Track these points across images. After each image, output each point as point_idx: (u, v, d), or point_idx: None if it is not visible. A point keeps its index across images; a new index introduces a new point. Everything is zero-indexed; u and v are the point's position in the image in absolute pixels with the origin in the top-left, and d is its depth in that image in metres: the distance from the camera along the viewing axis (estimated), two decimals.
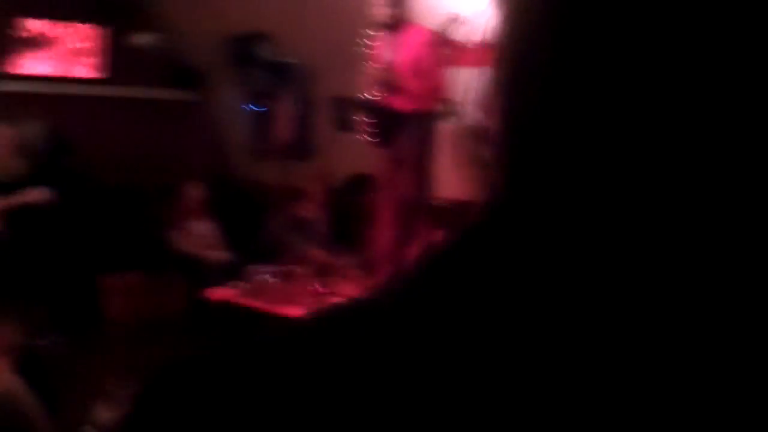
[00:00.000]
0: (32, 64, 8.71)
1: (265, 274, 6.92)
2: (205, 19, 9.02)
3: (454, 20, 4.92)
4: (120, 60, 9.34)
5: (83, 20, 9.02)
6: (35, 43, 8.74)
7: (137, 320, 7.56)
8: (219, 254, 7.98)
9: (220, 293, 6.26)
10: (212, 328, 6.11)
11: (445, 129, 7.04)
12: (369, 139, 5.84)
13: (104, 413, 3.87)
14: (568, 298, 0.39)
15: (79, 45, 9.12)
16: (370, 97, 5.75)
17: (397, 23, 5.80)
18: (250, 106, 6.41)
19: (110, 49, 9.35)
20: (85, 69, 9.15)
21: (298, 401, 0.42)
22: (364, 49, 5.79)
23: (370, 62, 5.80)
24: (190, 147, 9.68)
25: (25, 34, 8.55)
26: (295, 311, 5.50)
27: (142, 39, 9.37)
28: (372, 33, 5.83)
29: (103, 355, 6.62)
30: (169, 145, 9.53)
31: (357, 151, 6.66)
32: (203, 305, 6.48)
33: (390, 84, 5.71)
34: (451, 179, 7.36)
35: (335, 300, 5.54)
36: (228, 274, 7.53)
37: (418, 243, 5.79)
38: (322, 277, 6.02)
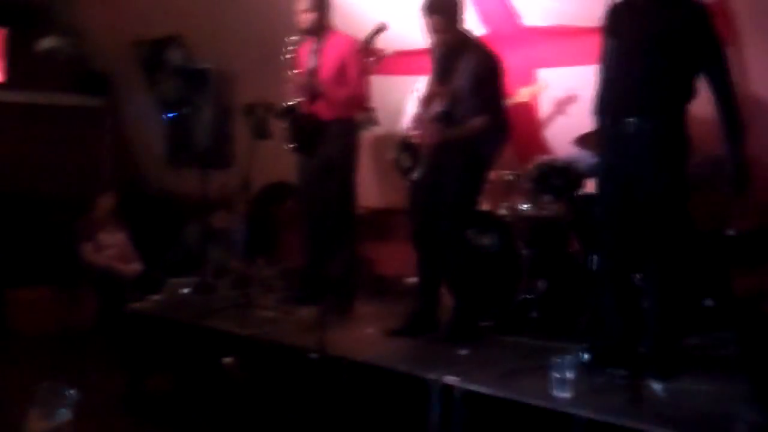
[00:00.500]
0: None
1: (182, 287, 6.75)
2: (114, 23, 8.77)
3: (378, 29, 4.86)
4: (22, 64, 9.00)
5: None
6: None
7: (45, 334, 7.35)
8: (132, 267, 7.77)
9: (134, 306, 6.07)
10: (127, 342, 5.94)
11: (367, 137, 6.99)
12: (289, 146, 5.72)
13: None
14: None
15: None
16: (291, 105, 5.63)
17: (319, 30, 5.70)
18: (164, 112, 6.22)
19: (11, 53, 9.01)
20: None
21: None
22: (285, 55, 5.68)
23: (292, 69, 5.69)
24: (101, 155, 9.42)
25: None
26: (212, 324, 5.37)
27: (46, 42, 9.04)
28: (294, 39, 5.71)
29: (10, 367, 6.38)
30: (78, 153, 9.26)
31: (277, 159, 6.54)
32: (117, 319, 6.29)
33: (311, 91, 5.61)
34: (373, 188, 7.32)
35: (254, 312, 5.45)
36: (143, 286, 7.32)
37: (339, 252, 5.70)
38: (241, 288, 5.88)
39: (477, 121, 4.82)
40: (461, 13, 4.89)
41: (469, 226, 5.04)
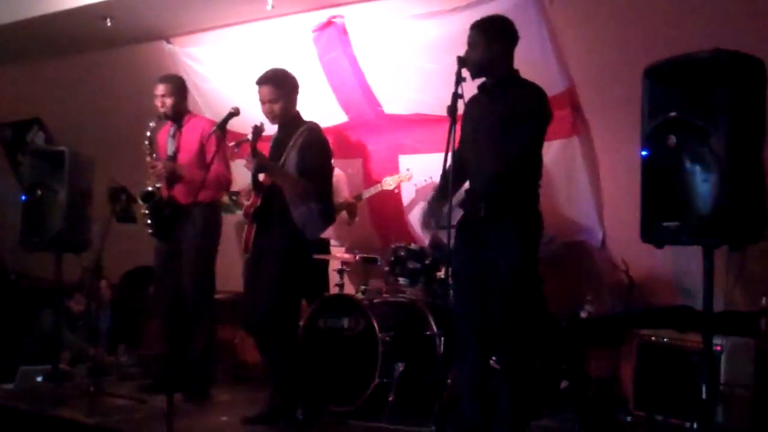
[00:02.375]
0: None
1: (36, 375, 6.48)
2: None
3: (231, 113, 4.91)
4: None
5: None
6: None
7: None
8: None
9: None
10: None
11: (232, 221, 6.95)
12: (149, 230, 5.64)
13: None
14: None
15: None
16: (150, 189, 5.57)
17: (177, 114, 5.70)
18: (21, 195, 6.05)
19: None
20: None
21: None
22: (144, 139, 5.65)
23: (151, 153, 5.65)
24: None
25: None
26: (66, 414, 5.17)
27: None
28: (153, 124, 5.69)
29: None
30: None
31: (136, 243, 6.43)
32: None
33: (171, 174, 5.57)
34: (238, 271, 7.25)
35: (106, 401, 5.27)
36: None
37: (195, 338, 5.60)
38: (97, 376, 5.68)
39: (303, 182, 4.85)
40: (293, 90, 5.01)
41: (291, 314, 5.03)
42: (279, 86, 4.94)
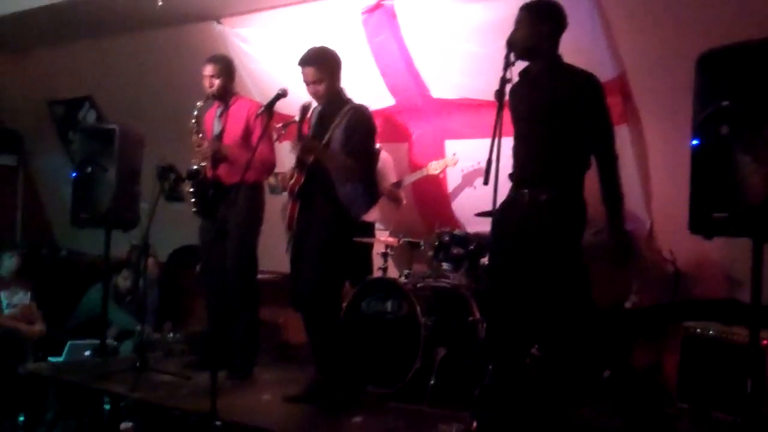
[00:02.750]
0: None
1: (84, 349, 6.61)
2: (27, 83, 8.72)
3: (278, 95, 4.92)
4: None
5: None
6: None
7: None
8: (35, 327, 7.57)
9: (29, 367, 5.91)
10: (20, 403, 5.79)
11: (277, 202, 6.99)
12: (193, 209, 5.70)
13: None
14: None
15: None
16: (195, 168, 5.62)
17: (225, 95, 5.74)
18: (72, 172, 6.14)
19: None
20: None
21: None
22: (191, 118, 5.69)
23: (197, 133, 5.69)
24: (7, 213, 9.27)
25: None
26: (112, 388, 5.25)
27: None
28: (200, 104, 5.73)
29: None
30: None
31: (183, 221, 6.49)
32: (12, 380, 6.12)
33: (217, 154, 5.62)
34: (282, 252, 7.29)
35: (151, 376, 5.35)
36: (45, 348, 7.16)
37: (240, 317, 5.64)
38: (143, 352, 5.76)
39: (350, 161, 4.87)
40: (335, 68, 5.00)
41: (335, 292, 5.06)
42: (321, 66, 4.94)
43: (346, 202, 4.87)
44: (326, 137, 4.93)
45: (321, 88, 4.94)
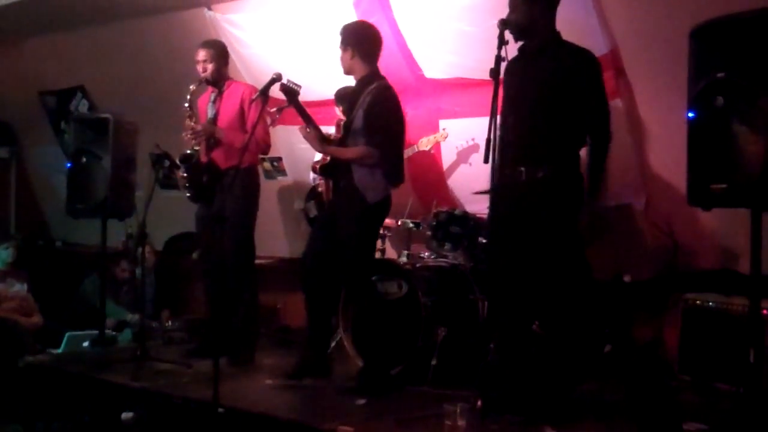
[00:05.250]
0: None
1: (83, 340, 6.60)
2: (16, 73, 8.67)
3: (273, 79, 4.91)
4: None
5: None
6: None
7: None
8: (33, 319, 7.55)
9: (30, 359, 5.90)
10: (21, 395, 5.77)
11: (273, 186, 6.98)
12: (187, 194, 5.69)
13: None
14: None
15: None
16: (189, 153, 5.61)
17: (218, 80, 5.72)
18: (66, 162, 6.12)
19: None
20: None
21: None
22: (185, 104, 5.67)
23: (191, 118, 5.68)
24: (1, 205, 9.26)
25: None
26: (113, 378, 5.25)
27: None
28: (193, 87, 5.71)
29: None
30: None
31: (178, 209, 6.48)
32: (12, 372, 6.10)
33: (210, 137, 5.60)
34: (279, 237, 7.30)
35: (151, 365, 5.36)
36: (43, 339, 7.14)
37: (239, 303, 5.64)
38: (143, 341, 5.75)
39: (355, 150, 4.89)
40: (360, 43, 4.99)
41: (368, 273, 5.06)
42: (344, 40, 4.96)
43: (361, 187, 4.86)
44: (352, 116, 4.92)
45: (343, 60, 4.97)
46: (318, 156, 5.60)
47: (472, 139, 5.98)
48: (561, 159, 4.20)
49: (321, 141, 5.00)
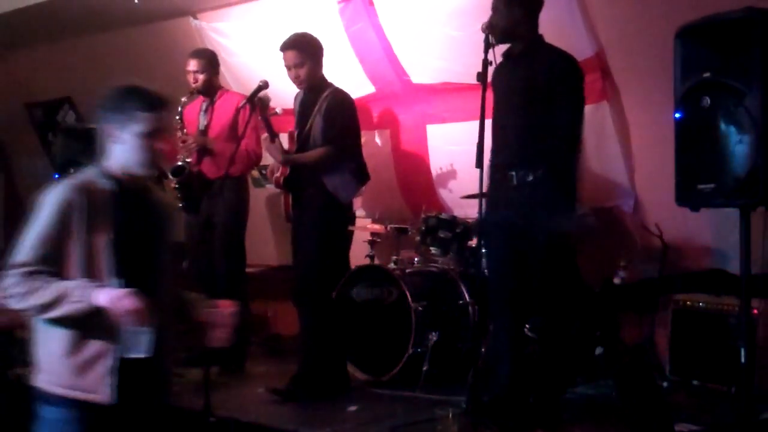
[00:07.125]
0: None
1: None
2: (3, 86, 8.64)
3: (259, 86, 4.93)
4: None
5: None
6: None
7: None
8: (24, 330, 7.50)
9: (23, 371, 5.85)
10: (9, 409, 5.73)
11: (262, 195, 6.96)
12: (180, 205, 5.67)
13: None
14: None
15: None
16: (181, 163, 5.60)
17: (209, 89, 5.71)
18: (54, 173, 6.10)
19: None
20: None
21: None
22: (175, 115, 5.66)
23: (181, 128, 5.67)
24: None
25: None
26: None
27: None
28: (184, 99, 5.71)
29: None
30: None
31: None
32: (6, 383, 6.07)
33: (202, 148, 5.60)
34: (268, 245, 7.27)
35: None
36: None
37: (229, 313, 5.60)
38: None
39: (318, 151, 4.93)
40: (317, 53, 5.05)
41: (329, 279, 5.09)
42: (303, 50, 4.98)
43: (332, 189, 4.90)
44: (308, 124, 4.95)
45: (302, 72, 4.97)
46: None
47: (461, 144, 5.97)
48: (551, 162, 4.20)
49: (283, 152, 5.04)
